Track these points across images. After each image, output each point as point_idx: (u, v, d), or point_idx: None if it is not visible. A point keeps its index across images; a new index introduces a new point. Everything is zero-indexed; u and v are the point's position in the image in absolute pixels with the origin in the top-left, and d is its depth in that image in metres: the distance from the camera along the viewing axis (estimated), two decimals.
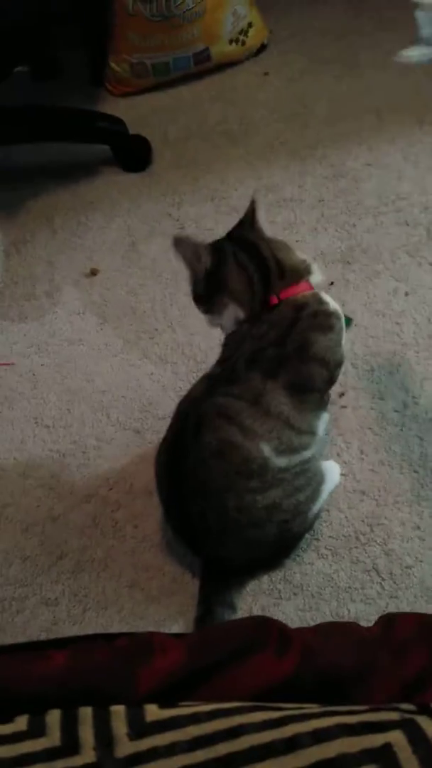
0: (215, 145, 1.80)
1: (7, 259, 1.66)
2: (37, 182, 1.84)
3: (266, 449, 0.98)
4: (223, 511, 0.99)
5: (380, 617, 0.71)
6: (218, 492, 0.98)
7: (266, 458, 0.98)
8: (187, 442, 1.01)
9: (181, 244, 1.08)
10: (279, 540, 1.03)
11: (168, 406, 1.20)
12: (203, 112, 1.91)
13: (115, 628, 1.06)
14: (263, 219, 1.08)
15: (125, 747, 0.46)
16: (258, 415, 0.98)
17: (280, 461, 0.99)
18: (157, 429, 1.22)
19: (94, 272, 1.59)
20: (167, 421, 1.09)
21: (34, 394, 1.40)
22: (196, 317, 1.43)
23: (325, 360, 1.02)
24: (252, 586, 1.07)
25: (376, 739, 0.45)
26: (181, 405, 1.07)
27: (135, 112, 1.93)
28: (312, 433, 1.04)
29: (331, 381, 1.05)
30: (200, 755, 0.45)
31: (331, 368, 1.03)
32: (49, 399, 1.39)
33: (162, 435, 1.09)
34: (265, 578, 1.07)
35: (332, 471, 1.12)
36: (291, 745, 0.45)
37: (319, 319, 1.02)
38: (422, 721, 0.46)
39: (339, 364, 1.05)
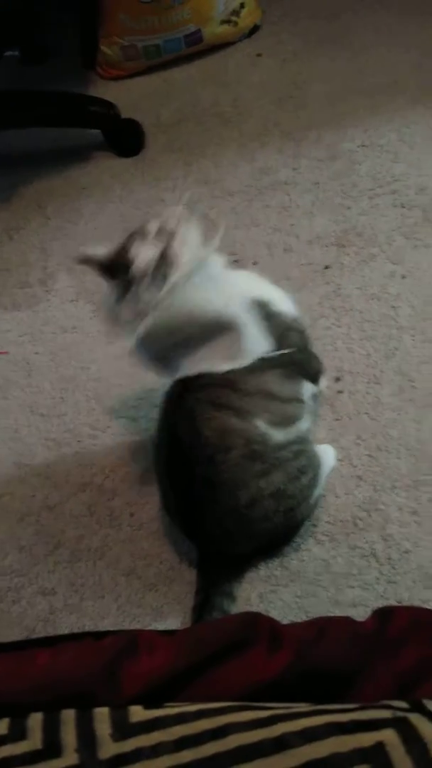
0: (208, 128, 1.78)
1: (1, 247, 1.64)
2: (28, 168, 1.81)
3: (261, 424, 0.97)
4: (235, 511, 0.97)
5: (375, 611, 0.70)
6: (230, 491, 0.97)
7: (263, 434, 0.97)
8: (185, 449, 0.98)
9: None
10: (285, 528, 1.03)
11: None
12: (196, 95, 1.88)
13: (112, 617, 1.06)
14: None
15: (109, 748, 0.45)
16: (241, 394, 0.97)
17: (278, 435, 0.98)
18: (153, 417, 1.20)
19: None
20: None
21: (29, 383, 1.39)
22: None
23: None
24: (249, 573, 1.06)
25: (367, 738, 0.44)
26: (165, 415, 1.03)
27: (127, 96, 1.90)
28: (298, 400, 1.04)
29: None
30: (186, 756, 0.45)
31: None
32: (43, 387, 1.38)
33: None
34: (262, 565, 1.06)
35: (328, 454, 1.12)
36: (280, 744, 0.44)
37: None
38: (415, 719, 0.45)
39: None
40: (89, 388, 1.35)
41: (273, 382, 1.00)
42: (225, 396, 0.97)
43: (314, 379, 1.11)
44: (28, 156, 1.86)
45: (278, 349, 0.99)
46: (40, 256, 1.61)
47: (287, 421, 1.01)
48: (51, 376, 1.40)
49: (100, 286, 1.50)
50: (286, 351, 0.99)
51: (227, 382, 0.97)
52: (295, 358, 1.03)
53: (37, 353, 1.44)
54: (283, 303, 1.03)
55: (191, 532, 1.05)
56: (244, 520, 0.99)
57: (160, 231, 0.97)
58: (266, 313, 0.99)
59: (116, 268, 0.98)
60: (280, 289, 1.06)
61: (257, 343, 0.98)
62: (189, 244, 0.95)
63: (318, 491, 1.05)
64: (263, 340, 0.98)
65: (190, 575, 1.07)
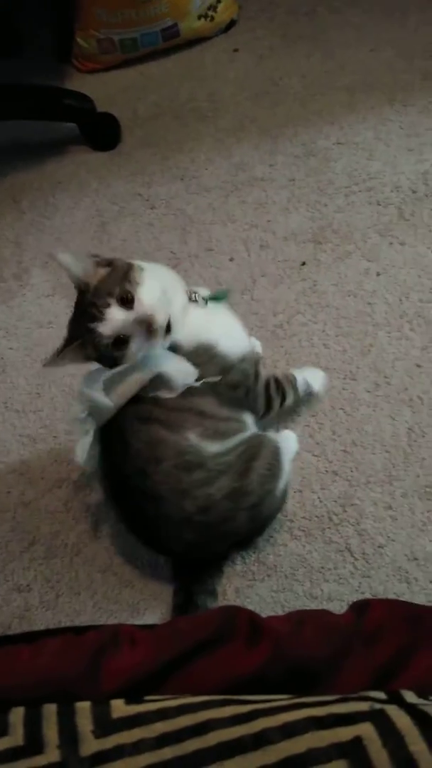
0: (185, 123, 1.77)
1: None
2: (3, 162, 1.79)
3: (192, 437, 0.95)
4: (189, 520, 0.96)
5: (353, 604, 0.71)
6: (175, 503, 0.95)
7: (195, 445, 0.95)
8: (119, 464, 0.97)
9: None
10: (254, 523, 1.03)
11: None
12: (172, 90, 1.87)
13: (88, 614, 1.06)
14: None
15: (90, 745, 0.45)
16: (166, 409, 0.95)
17: (213, 447, 0.97)
18: None
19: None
20: None
21: (3, 379, 1.38)
22: None
23: None
24: (226, 568, 1.06)
25: (345, 733, 0.45)
26: (101, 435, 1.00)
27: (103, 90, 1.89)
28: (237, 420, 1.02)
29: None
30: (167, 753, 0.45)
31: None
32: (18, 383, 1.37)
33: None
34: (238, 560, 1.07)
35: (288, 440, 1.12)
36: (259, 740, 0.44)
37: None
38: (392, 711, 0.46)
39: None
40: (66, 384, 1.34)
41: (206, 403, 0.98)
42: (150, 411, 0.95)
43: (258, 413, 1.09)
44: (2, 150, 1.83)
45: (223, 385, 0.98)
46: (15, 251, 1.60)
47: (224, 435, 0.99)
48: (26, 371, 1.38)
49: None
50: (210, 380, 0.96)
51: (152, 399, 0.94)
52: (232, 395, 1.01)
53: (11, 348, 1.43)
54: (231, 341, 1.01)
55: (156, 547, 1.05)
56: (204, 526, 0.97)
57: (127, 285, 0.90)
58: (209, 355, 0.98)
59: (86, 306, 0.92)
60: (234, 323, 1.05)
61: (186, 379, 0.95)
62: (158, 302, 0.89)
63: (283, 482, 1.03)
64: (192, 375, 0.95)
65: (166, 572, 1.07)
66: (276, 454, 1.02)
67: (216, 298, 1.04)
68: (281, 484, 1.04)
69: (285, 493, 1.07)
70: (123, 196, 1.64)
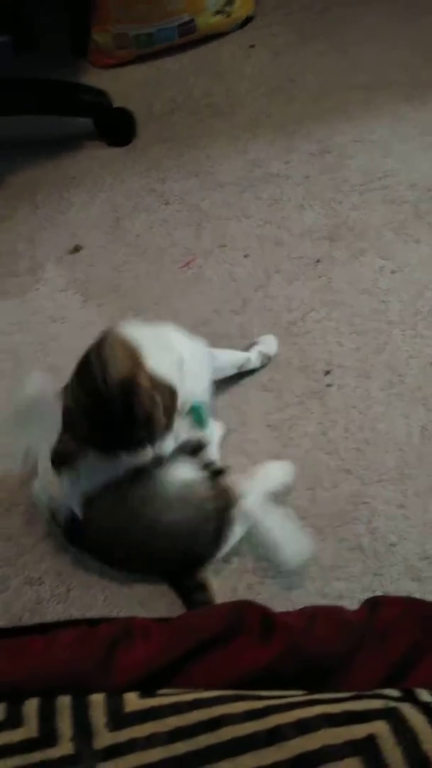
0: (200, 118, 1.77)
1: None
2: (18, 157, 1.79)
3: None
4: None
5: (366, 600, 0.71)
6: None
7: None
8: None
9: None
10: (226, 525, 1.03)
11: None
12: (188, 85, 1.87)
13: (99, 607, 1.06)
14: None
15: (104, 738, 0.45)
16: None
17: None
18: None
19: (77, 249, 1.56)
20: None
21: (16, 373, 1.38)
22: (181, 295, 1.42)
23: None
24: (237, 564, 1.06)
25: (359, 730, 0.44)
26: None
27: (118, 85, 1.89)
28: None
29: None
30: (180, 747, 0.45)
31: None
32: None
33: None
34: (248, 557, 1.07)
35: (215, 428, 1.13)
36: (273, 737, 0.44)
37: None
38: (405, 709, 0.46)
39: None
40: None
41: None
42: None
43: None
44: (17, 144, 1.84)
45: None
46: (29, 246, 1.60)
47: None
48: (39, 365, 1.38)
49: (90, 276, 1.50)
50: None
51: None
52: None
53: (25, 343, 1.43)
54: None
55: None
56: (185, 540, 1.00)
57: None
58: None
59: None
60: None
61: None
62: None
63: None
64: None
65: None
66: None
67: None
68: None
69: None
70: (137, 191, 1.64)
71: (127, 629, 0.62)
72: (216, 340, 1.22)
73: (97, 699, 0.48)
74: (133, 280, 1.47)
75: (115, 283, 1.48)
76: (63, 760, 0.43)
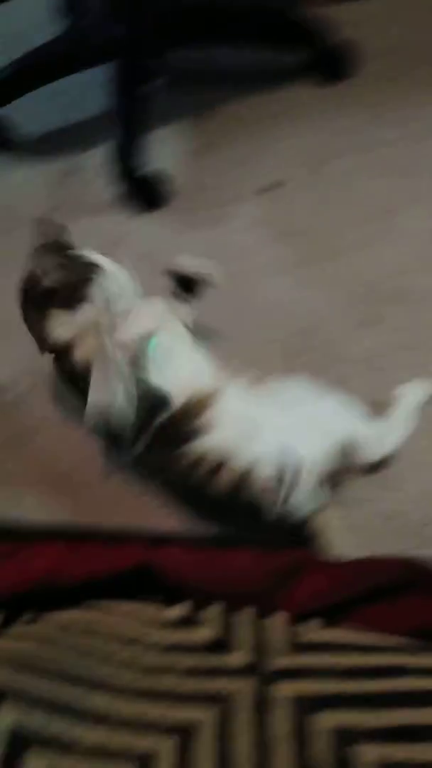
0: (429, 61, 1.64)
1: (194, 162, 1.64)
2: (229, 88, 1.78)
3: None
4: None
5: None
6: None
7: None
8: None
9: None
10: None
11: (325, 334, 1.21)
12: (421, 24, 1.74)
13: None
14: None
15: (281, 659, 0.45)
16: None
17: None
18: (311, 356, 1.21)
19: (276, 186, 1.53)
20: (319, 350, 1.14)
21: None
22: (378, 245, 1.35)
23: None
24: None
25: None
26: None
27: (342, 17, 1.79)
28: None
29: None
30: (353, 686, 0.43)
31: None
32: (223, 307, 1.38)
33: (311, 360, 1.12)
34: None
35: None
36: None
37: None
38: None
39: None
40: (256, 317, 1.34)
41: None
42: None
43: None
44: (229, 75, 1.82)
45: None
46: (229, 179, 1.59)
47: None
48: (214, 301, 1.39)
49: (285, 214, 1.47)
50: None
51: None
52: None
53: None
54: None
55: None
56: None
57: None
58: None
59: None
60: None
61: None
62: None
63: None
64: None
65: None
66: None
67: None
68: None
69: None
70: (348, 132, 1.57)
71: (304, 562, 0.61)
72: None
73: (277, 621, 0.48)
74: (328, 225, 1.43)
75: (310, 225, 1.44)
76: (237, 669, 0.44)
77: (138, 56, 1.63)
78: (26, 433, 1.22)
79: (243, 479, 0.90)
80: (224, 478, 0.90)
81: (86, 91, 1.87)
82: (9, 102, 1.82)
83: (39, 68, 1.74)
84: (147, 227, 1.51)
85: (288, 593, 0.55)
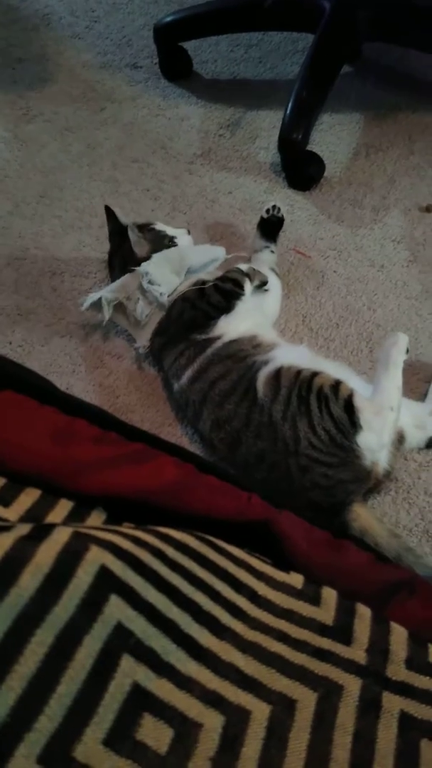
0: None
1: (354, 158, 1.59)
2: (419, 94, 1.71)
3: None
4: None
5: None
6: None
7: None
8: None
9: None
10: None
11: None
12: None
13: None
14: None
15: (399, 671, 0.41)
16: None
17: None
18: (411, 386, 1.16)
19: (429, 209, 1.47)
20: (422, 378, 1.11)
21: (314, 294, 1.36)
22: None
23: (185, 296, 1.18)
24: None
25: None
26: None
27: None
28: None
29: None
30: None
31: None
32: (325, 306, 1.34)
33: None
34: None
35: None
36: None
37: None
38: None
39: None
40: (366, 330, 1.29)
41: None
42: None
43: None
44: (421, 81, 1.75)
45: None
46: (386, 185, 1.54)
47: None
48: (337, 299, 1.35)
49: (428, 240, 1.41)
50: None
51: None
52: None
53: (335, 272, 1.39)
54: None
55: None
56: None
57: None
58: None
59: None
60: None
61: None
62: None
63: None
64: None
65: None
66: None
67: None
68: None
69: None
70: None
71: (411, 582, 0.56)
72: None
73: (400, 630, 0.44)
74: None
75: None
76: (351, 663, 0.40)
77: (336, 37, 1.58)
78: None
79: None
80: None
81: (279, 53, 1.83)
82: (197, 37, 1.80)
83: (237, 15, 1.71)
84: (284, 204, 1.47)
85: (401, 608, 0.51)
